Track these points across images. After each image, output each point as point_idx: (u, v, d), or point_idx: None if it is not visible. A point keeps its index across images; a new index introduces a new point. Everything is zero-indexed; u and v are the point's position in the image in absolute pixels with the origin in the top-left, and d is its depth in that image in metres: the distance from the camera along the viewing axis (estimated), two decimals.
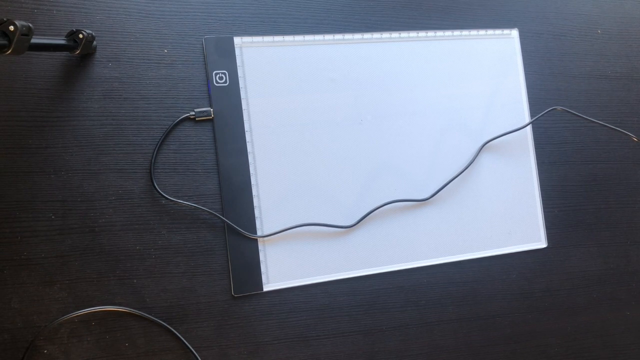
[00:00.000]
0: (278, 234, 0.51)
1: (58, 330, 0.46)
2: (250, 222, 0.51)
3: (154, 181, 0.48)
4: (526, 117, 0.60)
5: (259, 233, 0.51)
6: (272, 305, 0.51)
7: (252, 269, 0.51)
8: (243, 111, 0.51)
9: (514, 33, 0.60)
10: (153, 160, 0.49)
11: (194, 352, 0.49)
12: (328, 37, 0.54)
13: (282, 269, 0.51)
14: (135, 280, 0.48)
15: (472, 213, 0.57)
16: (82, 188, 0.47)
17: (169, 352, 0.48)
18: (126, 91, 0.49)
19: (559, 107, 0.59)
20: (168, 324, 0.48)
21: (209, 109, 0.50)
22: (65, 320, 0.46)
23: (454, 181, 0.56)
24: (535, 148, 0.60)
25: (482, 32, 0.59)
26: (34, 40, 0.39)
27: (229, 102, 0.51)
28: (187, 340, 0.49)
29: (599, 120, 0.60)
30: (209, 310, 0.50)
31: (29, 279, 0.46)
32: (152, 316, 0.48)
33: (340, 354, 0.53)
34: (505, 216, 0.58)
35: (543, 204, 0.60)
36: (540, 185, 0.60)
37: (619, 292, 0.62)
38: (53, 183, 0.47)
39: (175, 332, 0.48)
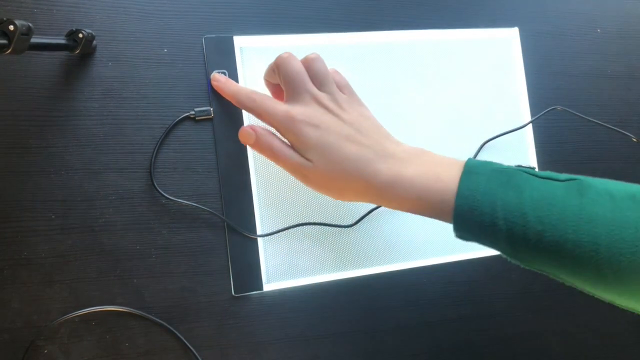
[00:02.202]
0: (278, 233, 0.51)
1: (58, 330, 0.46)
2: (250, 221, 0.51)
3: (154, 180, 0.48)
4: (526, 117, 0.60)
5: (258, 232, 0.51)
6: (273, 305, 0.51)
7: (252, 269, 0.50)
8: (243, 110, 0.51)
9: (514, 32, 0.60)
10: (153, 160, 0.49)
11: (195, 352, 0.48)
12: (328, 36, 0.54)
13: (282, 268, 0.51)
14: (135, 280, 0.48)
15: None
16: (83, 188, 0.47)
17: (169, 351, 0.48)
18: (126, 91, 0.49)
19: (559, 107, 0.59)
20: (168, 324, 0.48)
21: (208, 108, 0.50)
22: (66, 320, 0.46)
23: None
24: (536, 148, 0.60)
25: (482, 31, 0.59)
26: (33, 40, 0.39)
27: (229, 102, 0.51)
28: (187, 340, 0.49)
29: (599, 120, 0.60)
30: (209, 310, 0.50)
31: (29, 279, 0.46)
32: (153, 316, 0.48)
33: (340, 354, 0.53)
34: None
35: None
36: None
37: None
38: (53, 183, 0.47)
39: (176, 332, 0.48)
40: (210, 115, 0.50)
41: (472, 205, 0.38)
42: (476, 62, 0.58)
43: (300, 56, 0.45)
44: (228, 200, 0.50)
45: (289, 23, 0.53)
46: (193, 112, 0.50)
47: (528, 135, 0.60)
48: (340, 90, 0.45)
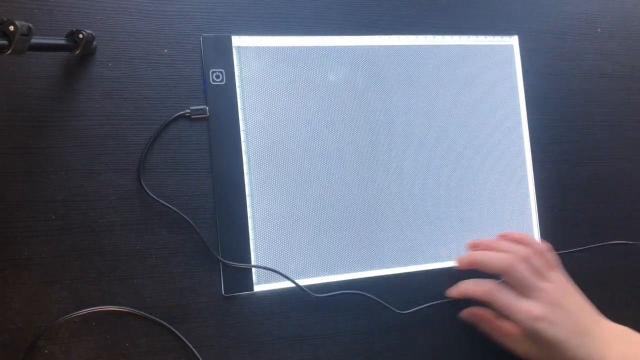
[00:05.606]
0: (271, 232, 0.51)
1: (59, 330, 0.46)
2: (242, 221, 0.50)
3: (141, 180, 0.48)
4: (524, 117, 0.60)
5: (251, 233, 0.51)
6: (273, 305, 0.51)
7: (242, 269, 0.50)
8: (239, 110, 0.51)
9: (514, 40, 0.60)
10: (143, 158, 0.48)
11: (195, 351, 0.48)
12: (327, 39, 0.54)
13: (274, 268, 0.51)
14: (135, 280, 0.48)
15: (469, 215, 0.57)
16: (83, 188, 0.47)
17: (170, 351, 0.48)
18: (126, 91, 0.49)
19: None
20: (169, 324, 0.48)
21: (204, 107, 0.50)
22: (66, 320, 0.46)
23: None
24: (534, 148, 0.60)
25: (481, 38, 0.59)
26: (34, 40, 0.39)
27: (225, 101, 0.51)
28: (187, 340, 0.49)
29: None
30: (209, 309, 0.50)
31: (30, 279, 0.46)
32: (153, 316, 0.48)
33: (340, 354, 0.52)
34: (501, 218, 0.58)
35: (542, 203, 0.59)
36: (539, 185, 0.59)
37: (619, 292, 0.62)
38: (53, 183, 0.47)
39: (176, 331, 0.48)
40: (206, 114, 0.50)
41: None
42: (476, 63, 0.58)
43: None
44: (221, 199, 0.50)
45: (288, 24, 0.54)
46: (189, 111, 0.50)
47: (525, 135, 0.60)
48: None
